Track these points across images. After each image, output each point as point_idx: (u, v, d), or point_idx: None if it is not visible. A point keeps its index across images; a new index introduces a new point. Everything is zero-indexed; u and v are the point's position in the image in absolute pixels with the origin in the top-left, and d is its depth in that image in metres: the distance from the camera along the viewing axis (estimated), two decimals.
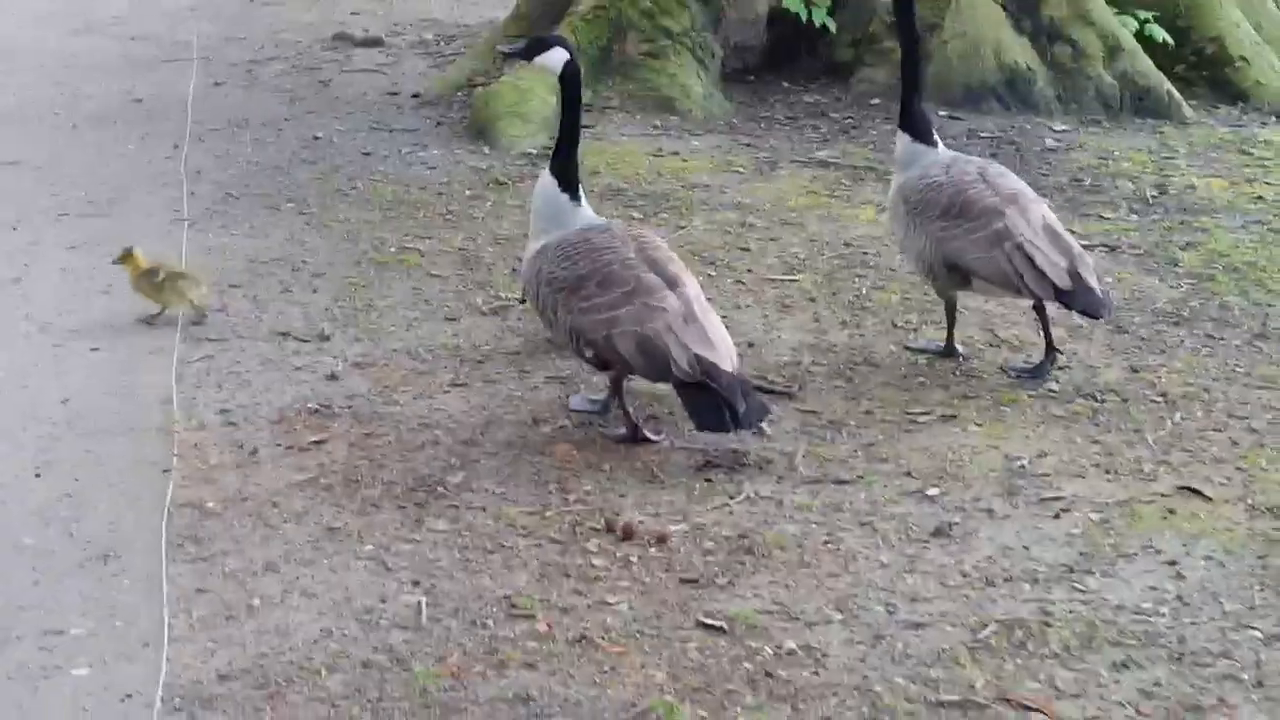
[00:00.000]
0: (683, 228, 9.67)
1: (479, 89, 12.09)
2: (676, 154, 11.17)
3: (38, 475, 6.58)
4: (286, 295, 8.54)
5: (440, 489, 6.53)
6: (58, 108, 12.13)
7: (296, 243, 9.34)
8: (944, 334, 7.83)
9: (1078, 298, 7.28)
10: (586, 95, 11.87)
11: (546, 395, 7.38)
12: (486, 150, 11.11)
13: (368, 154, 11.09)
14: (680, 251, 8.80)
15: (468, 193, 10.26)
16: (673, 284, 6.70)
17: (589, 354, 6.80)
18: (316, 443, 6.94)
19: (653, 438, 6.89)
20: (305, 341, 7.99)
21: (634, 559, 5.99)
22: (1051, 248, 7.33)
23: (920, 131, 7.69)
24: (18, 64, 13.33)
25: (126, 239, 8.92)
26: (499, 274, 8.85)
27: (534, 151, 10.97)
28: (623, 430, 6.94)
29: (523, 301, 7.98)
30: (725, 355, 6.57)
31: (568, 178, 7.12)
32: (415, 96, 12.58)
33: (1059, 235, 7.42)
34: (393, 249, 9.24)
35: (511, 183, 10.44)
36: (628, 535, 6.19)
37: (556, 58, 7.06)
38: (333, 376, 7.59)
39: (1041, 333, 7.62)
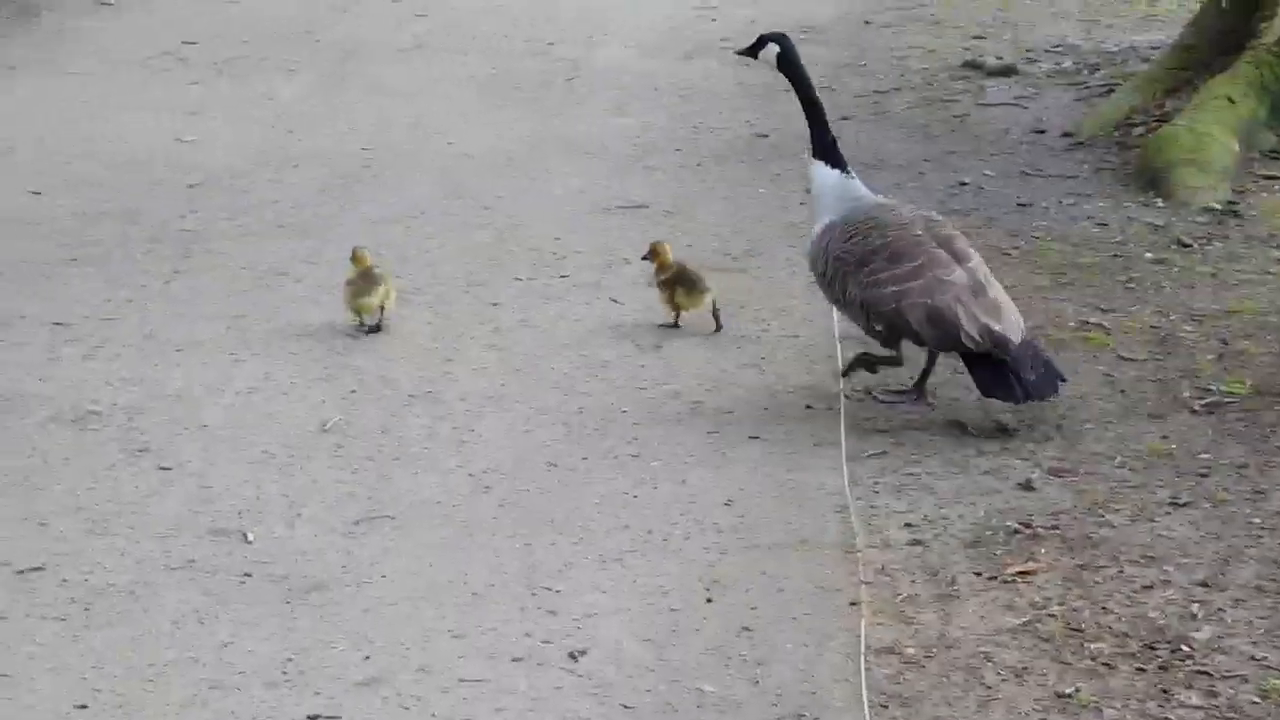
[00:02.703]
0: None
1: (1143, 131, 10.86)
2: None
3: (709, 600, 5.76)
4: (957, 377, 7.56)
5: (1183, 647, 5.49)
6: (678, 143, 11.39)
7: None
8: None
9: None
10: (1272, 140, 10.62)
11: None
12: (1160, 204, 9.89)
13: (1024, 205, 10.00)
14: None
15: (1148, 255, 9.08)
16: (960, 259, 6.95)
17: (879, 327, 7.01)
18: (1023, 574, 5.95)
19: (931, 402, 7.16)
20: (989, 438, 6.97)
21: None
22: None
23: None
24: (632, 95, 12.66)
25: (767, 298, 8.14)
26: (1203, 359, 7.71)
27: (1218, 207, 9.70)
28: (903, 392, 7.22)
29: None
30: (1014, 325, 6.83)
31: (833, 156, 7.39)
32: (1066, 136, 11.41)
33: None
34: (1072, 323, 8.17)
35: (1198, 245, 9.21)
36: None
37: (769, 51, 7.61)
38: (1028, 486, 6.60)
39: None
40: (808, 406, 7.25)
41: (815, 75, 12.90)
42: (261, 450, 6.72)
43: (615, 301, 8.32)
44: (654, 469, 6.67)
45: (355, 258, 8.01)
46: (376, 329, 7.91)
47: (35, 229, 9.37)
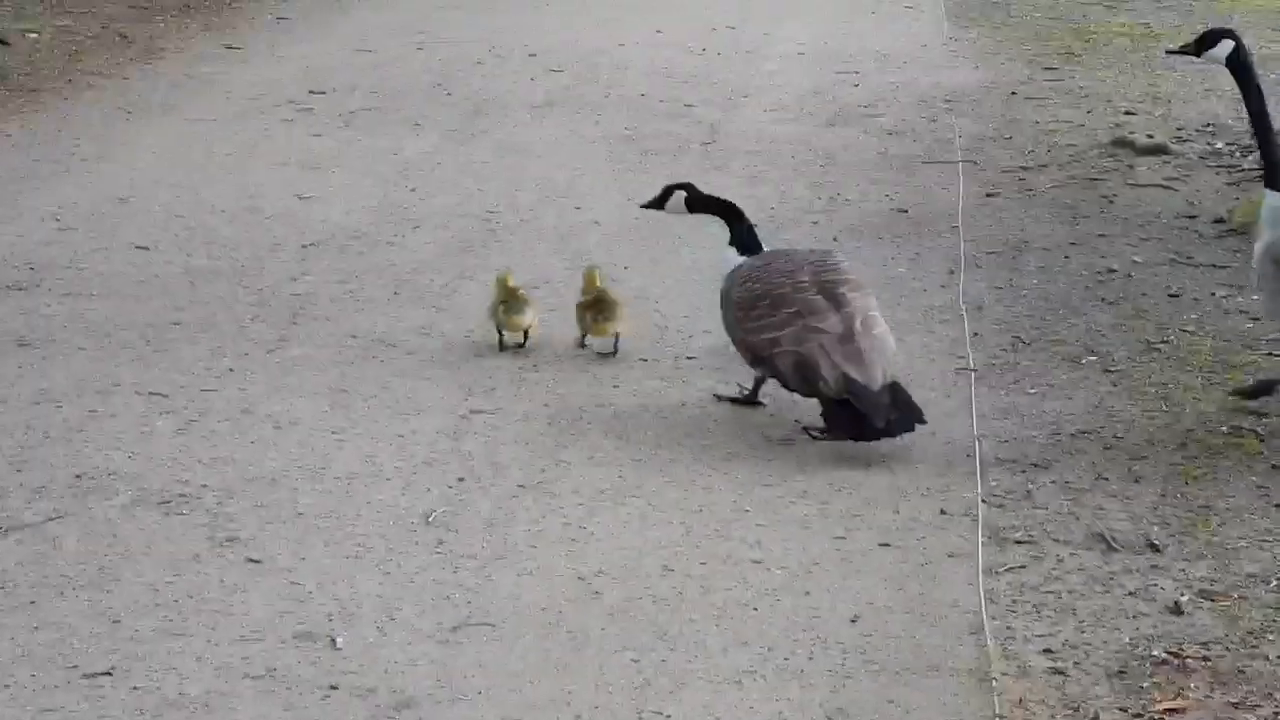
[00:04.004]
0: None
1: None
2: None
3: None
4: (1102, 484, 7.07)
5: None
6: (815, 215, 10.98)
7: (1105, 411, 7.84)
8: None
9: None
10: None
11: None
12: None
13: (1174, 295, 9.48)
14: None
15: None
16: (838, 305, 7.26)
17: (758, 371, 7.47)
18: (1171, 711, 5.47)
19: (764, 401, 7.64)
20: (1135, 553, 6.47)
21: None
22: None
23: None
24: (770, 162, 12.29)
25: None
26: None
27: None
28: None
29: None
30: (875, 373, 7.12)
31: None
32: (1218, 222, 10.90)
33: None
34: (1224, 428, 7.64)
35: None
36: None
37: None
38: (1177, 609, 6.09)
39: None
40: (942, 512, 6.78)
41: (959, 146, 12.59)
42: (357, 543, 6.33)
43: (744, 388, 7.85)
44: (777, 577, 6.22)
45: (500, 280, 8.26)
46: (521, 346, 8.27)
47: (142, 287, 9.10)
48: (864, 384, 7.10)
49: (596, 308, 8.21)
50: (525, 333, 8.21)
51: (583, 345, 8.33)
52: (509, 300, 8.16)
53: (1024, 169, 12.26)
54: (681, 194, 8.11)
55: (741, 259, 7.75)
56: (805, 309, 7.30)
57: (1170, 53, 8.37)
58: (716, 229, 9.13)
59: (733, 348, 7.78)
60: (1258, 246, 7.62)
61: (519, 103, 13.81)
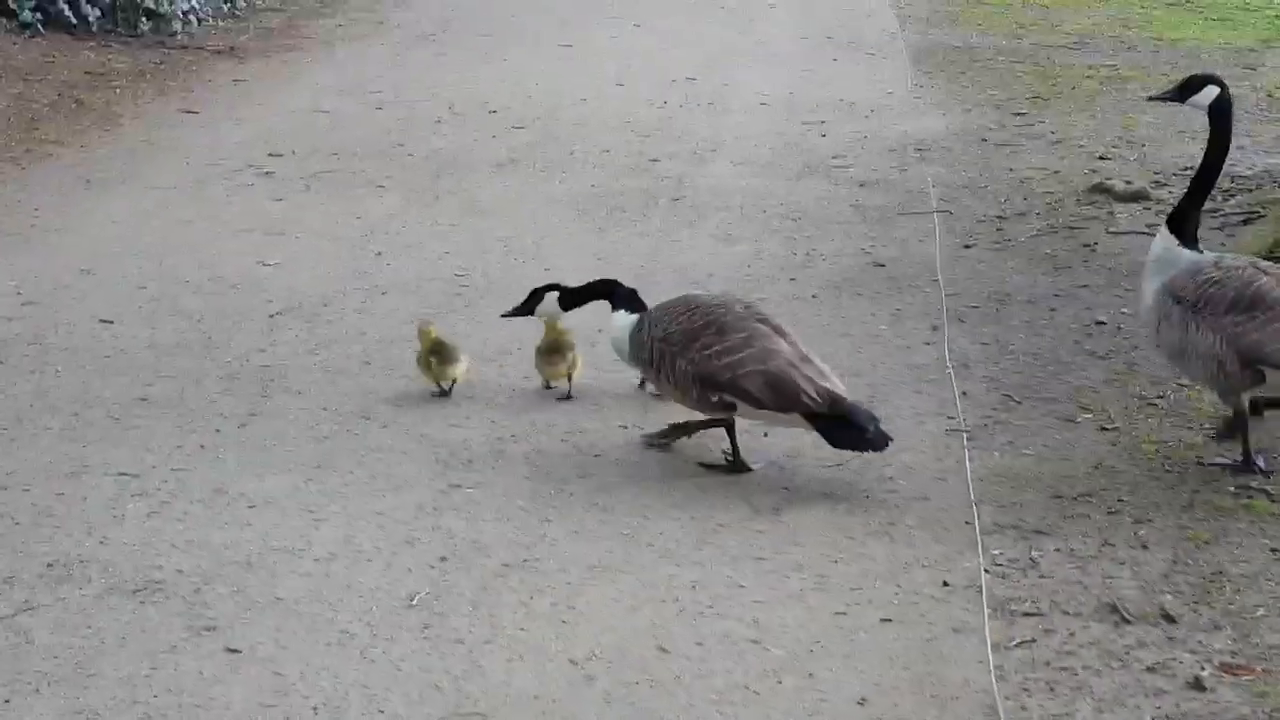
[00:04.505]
0: None
1: None
2: None
3: None
4: (1108, 550, 6.83)
5: None
6: (791, 271, 10.73)
7: (1105, 472, 7.61)
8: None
9: None
10: None
11: None
12: None
13: None
14: None
15: None
16: (780, 333, 7.41)
17: (714, 398, 7.35)
18: None
19: (753, 466, 7.51)
20: (1149, 625, 6.22)
21: None
22: None
23: (1186, 234, 7.55)
24: (741, 216, 12.07)
25: (892, 453, 7.45)
26: None
27: None
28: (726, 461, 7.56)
29: None
30: (840, 385, 7.28)
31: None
32: None
33: None
34: (1231, 488, 7.42)
35: None
36: None
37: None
38: (1198, 685, 5.85)
39: None
40: (944, 584, 6.53)
41: (933, 196, 12.38)
42: (340, 630, 6.04)
43: (728, 454, 7.60)
44: (777, 658, 5.95)
45: (423, 333, 8.30)
46: (447, 393, 8.30)
47: (108, 362, 8.80)
48: (840, 394, 7.25)
49: (555, 350, 8.32)
50: (454, 380, 8.31)
51: (567, 390, 8.38)
52: (440, 350, 8.21)
53: (1001, 218, 12.04)
54: (553, 295, 8.22)
55: (634, 315, 7.81)
56: (756, 334, 7.38)
57: (1151, 99, 8.24)
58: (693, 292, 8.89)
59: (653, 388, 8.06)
60: (1150, 288, 7.61)
61: (481, 161, 13.55)
